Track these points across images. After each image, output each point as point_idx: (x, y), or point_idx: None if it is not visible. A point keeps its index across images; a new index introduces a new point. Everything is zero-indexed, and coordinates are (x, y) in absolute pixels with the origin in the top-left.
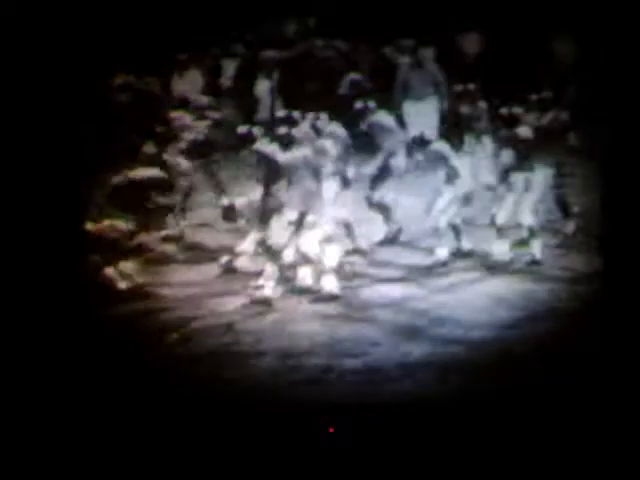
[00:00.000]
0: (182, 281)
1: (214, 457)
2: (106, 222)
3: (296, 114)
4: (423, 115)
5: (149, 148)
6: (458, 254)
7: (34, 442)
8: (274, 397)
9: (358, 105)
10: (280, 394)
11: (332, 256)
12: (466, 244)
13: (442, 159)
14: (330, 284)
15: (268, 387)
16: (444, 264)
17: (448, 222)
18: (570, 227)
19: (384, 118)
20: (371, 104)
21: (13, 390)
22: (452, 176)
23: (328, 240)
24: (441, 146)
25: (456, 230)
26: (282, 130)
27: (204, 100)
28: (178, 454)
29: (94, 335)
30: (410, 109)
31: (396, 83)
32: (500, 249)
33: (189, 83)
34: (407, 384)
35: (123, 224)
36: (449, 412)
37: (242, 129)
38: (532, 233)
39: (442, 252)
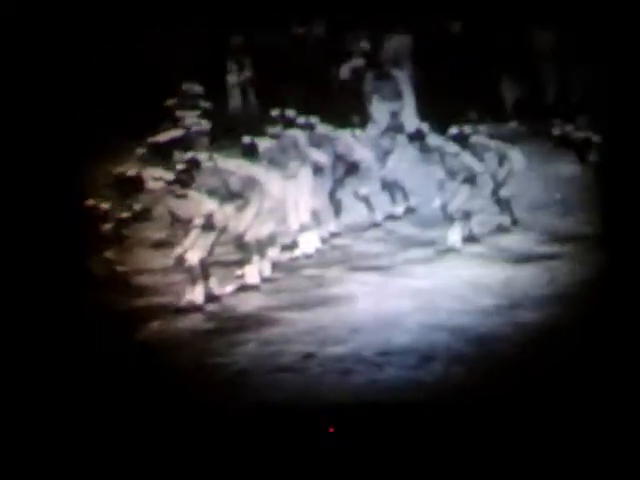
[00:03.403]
0: (162, 267)
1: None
2: (90, 202)
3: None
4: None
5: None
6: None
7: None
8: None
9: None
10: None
11: (309, 243)
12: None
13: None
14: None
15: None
16: (456, 250)
17: (458, 208)
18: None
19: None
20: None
21: None
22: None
23: (303, 228)
24: (436, 140)
25: (467, 216)
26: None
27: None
28: (164, 445)
29: (72, 323)
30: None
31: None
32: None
33: None
34: (389, 371)
35: (106, 205)
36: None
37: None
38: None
39: (454, 238)
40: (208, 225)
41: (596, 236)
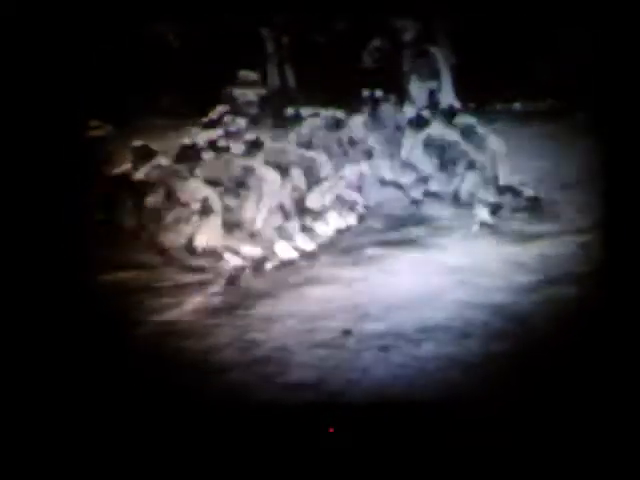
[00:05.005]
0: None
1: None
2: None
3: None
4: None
5: None
6: None
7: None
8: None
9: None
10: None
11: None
12: None
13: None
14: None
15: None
16: (492, 228)
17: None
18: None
19: None
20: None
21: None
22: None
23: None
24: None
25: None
26: None
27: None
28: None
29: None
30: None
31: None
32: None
33: None
34: (427, 348)
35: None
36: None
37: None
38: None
39: (483, 216)
40: (205, 209)
41: (628, 212)
